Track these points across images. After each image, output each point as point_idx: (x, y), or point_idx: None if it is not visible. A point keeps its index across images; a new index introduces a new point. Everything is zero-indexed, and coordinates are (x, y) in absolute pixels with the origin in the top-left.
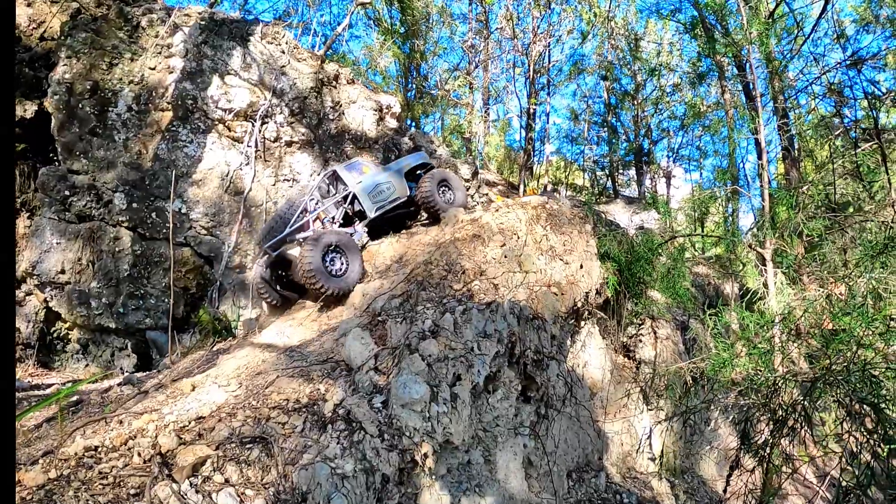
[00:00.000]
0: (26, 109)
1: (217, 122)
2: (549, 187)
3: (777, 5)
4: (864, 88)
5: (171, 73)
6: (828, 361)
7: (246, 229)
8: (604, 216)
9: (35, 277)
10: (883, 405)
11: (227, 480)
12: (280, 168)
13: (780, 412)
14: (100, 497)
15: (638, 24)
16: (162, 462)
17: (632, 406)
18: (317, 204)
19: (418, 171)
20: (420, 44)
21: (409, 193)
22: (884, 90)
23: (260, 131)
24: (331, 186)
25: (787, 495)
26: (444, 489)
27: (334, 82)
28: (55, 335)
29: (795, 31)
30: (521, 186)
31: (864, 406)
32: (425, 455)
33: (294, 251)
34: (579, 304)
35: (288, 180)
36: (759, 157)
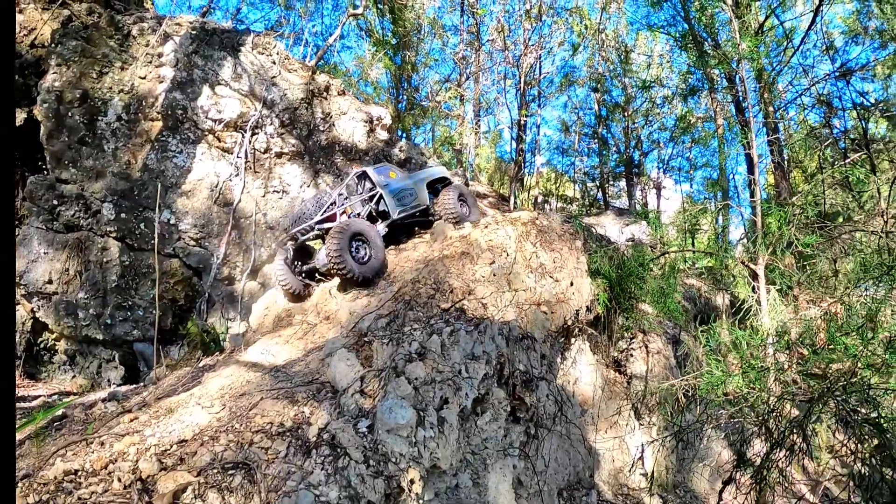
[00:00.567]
0: (16, 117)
1: (207, 133)
2: (540, 198)
3: (766, 17)
4: (852, 99)
5: (162, 82)
6: (827, 382)
7: (235, 241)
8: (594, 230)
9: (22, 287)
10: (885, 424)
11: None
12: (270, 179)
13: (777, 432)
14: None
15: (628, 37)
16: (142, 489)
17: (623, 423)
18: (345, 199)
19: (437, 185)
20: (411, 55)
21: (427, 203)
22: (872, 101)
23: (250, 142)
24: (358, 185)
25: None
26: None
27: (325, 93)
28: (42, 346)
29: (785, 43)
30: (512, 198)
31: (867, 426)
32: (412, 481)
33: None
34: (569, 322)
35: (278, 192)
36: (751, 172)
